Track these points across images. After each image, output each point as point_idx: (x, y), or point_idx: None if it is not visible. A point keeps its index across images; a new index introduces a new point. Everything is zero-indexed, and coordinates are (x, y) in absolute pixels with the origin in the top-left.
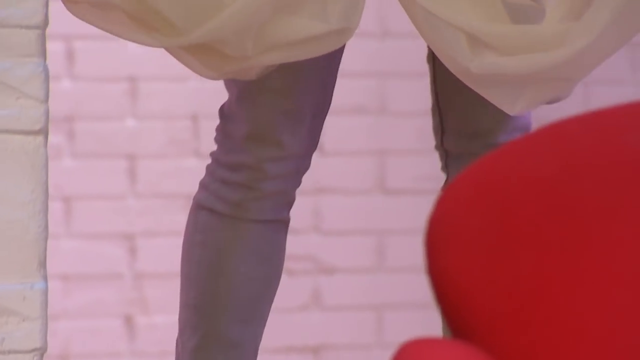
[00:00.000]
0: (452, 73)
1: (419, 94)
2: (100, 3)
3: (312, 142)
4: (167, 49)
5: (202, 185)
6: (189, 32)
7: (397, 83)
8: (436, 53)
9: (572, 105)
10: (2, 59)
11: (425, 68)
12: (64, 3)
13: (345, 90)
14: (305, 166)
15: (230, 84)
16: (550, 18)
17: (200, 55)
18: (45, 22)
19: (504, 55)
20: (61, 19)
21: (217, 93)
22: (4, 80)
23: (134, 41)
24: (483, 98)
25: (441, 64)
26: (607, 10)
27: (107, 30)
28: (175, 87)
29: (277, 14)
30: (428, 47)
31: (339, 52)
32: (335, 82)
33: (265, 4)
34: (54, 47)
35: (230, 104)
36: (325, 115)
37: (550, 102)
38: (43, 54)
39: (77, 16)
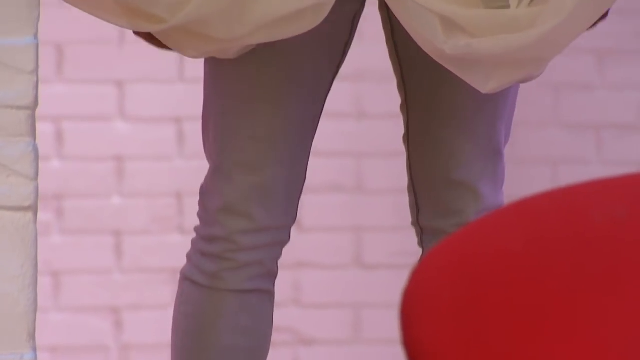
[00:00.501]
0: (425, 155)
1: (395, 172)
2: None
3: (287, 215)
4: (152, 32)
5: (187, 257)
6: (172, 17)
7: (373, 162)
8: (412, 35)
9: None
10: None
11: (400, 147)
12: None
13: (323, 168)
14: (283, 238)
15: (208, 156)
16: (521, 3)
17: (184, 37)
18: (35, 103)
19: (476, 37)
20: (51, 101)
21: (200, 171)
22: None
23: (120, 26)
24: (454, 181)
25: (415, 147)
26: None
27: (94, 15)
28: (159, 166)
29: None
30: (405, 127)
31: (312, 129)
32: (307, 158)
33: None
34: (43, 128)
35: (207, 178)
36: (301, 190)
37: (522, 82)
38: (33, 133)
39: (66, 1)
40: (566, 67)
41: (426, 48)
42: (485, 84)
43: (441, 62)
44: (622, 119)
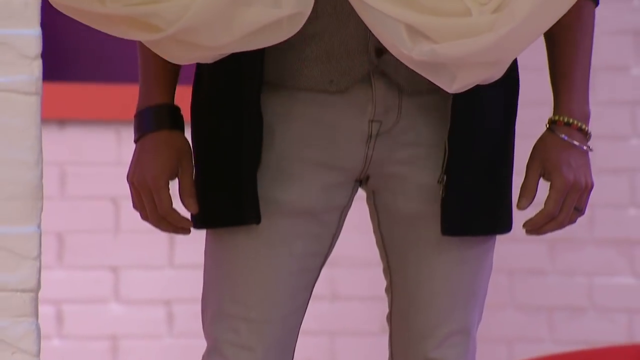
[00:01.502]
0: (404, 336)
1: (367, 350)
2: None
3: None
4: (144, 41)
5: None
6: (169, 27)
7: (346, 340)
8: (382, 42)
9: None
10: (1, 318)
11: (371, 327)
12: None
13: (298, 347)
14: None
15: (206, 335)
16: (482, 12)
17: (173, 46)
18: (38, 286)
19: (439, 43)
20: (52, 285)
21: (188, 349)
22: (1, 337)
23: (115, 34)
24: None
25: (396, 327)
26: (529, 1)
27: (90, 24)
28: (152, 344)
29: (235, 5)
30: (389, 308)
31: (301, 314)
32: (296, 340)
33: None
34: (45, 310)
35: (205, 356)
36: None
37: (484, 82)
38: (35, 314)
39: (61, 9)
40: (520, 254)
41: (395, 54)
42: (451, 85)
43: (410, 67)
44: (573, 302)
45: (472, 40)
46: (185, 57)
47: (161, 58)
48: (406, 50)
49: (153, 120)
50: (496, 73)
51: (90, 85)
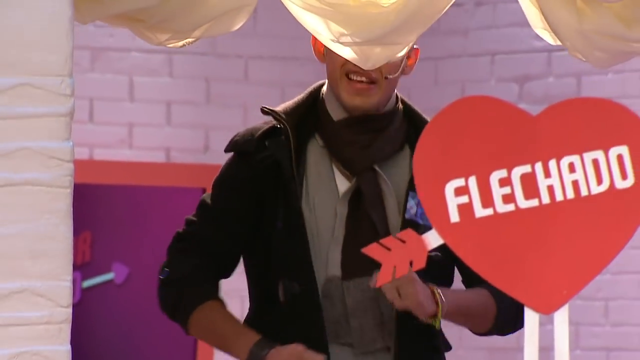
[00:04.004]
0: None
1: None
2: None
3: None
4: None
5: None
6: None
7: None
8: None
9: None
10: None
11: None
12: None
13: None
14: None
15: None
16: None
17: (152, 30)
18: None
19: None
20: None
21: None
22: None
23: (114, 26)
24: None
25: None
26: None
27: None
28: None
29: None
30: None
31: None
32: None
33: None
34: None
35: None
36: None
37: (392, 59)
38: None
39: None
40: None
41: (323, 41)
42: (366, 63)
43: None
44: None
45: (380, 25)
46: (155, 40)
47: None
48: (332, 37)
49: (269, 344)
50: (399, 52)
51: None
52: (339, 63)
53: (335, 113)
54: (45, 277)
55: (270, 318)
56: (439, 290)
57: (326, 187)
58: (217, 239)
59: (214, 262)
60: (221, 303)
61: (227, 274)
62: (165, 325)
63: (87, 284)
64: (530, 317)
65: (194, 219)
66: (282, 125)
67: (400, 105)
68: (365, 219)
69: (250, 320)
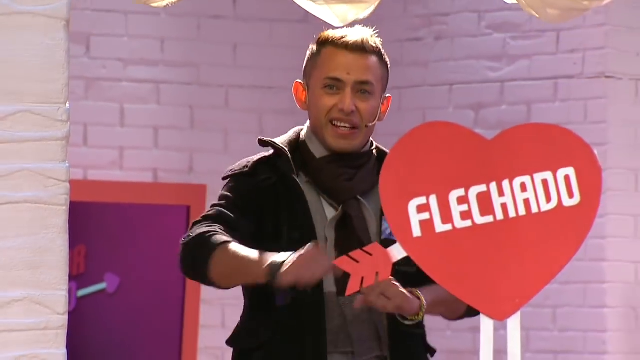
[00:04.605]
0: None
1: None
2: None
3: None
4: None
5: None
6: None
7: None
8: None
9: None
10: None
11: None
12: None
13: None
14: None
15: None
16: None
17: None
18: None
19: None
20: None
21: None
22: None
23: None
24: None
25: None
26: None
27: None
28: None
29: None
30: None
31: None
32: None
33: None
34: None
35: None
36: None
37: (359, 17)
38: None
39: None
40: None
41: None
42: (338, 22)
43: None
44: None
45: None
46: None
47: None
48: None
49: (282, 256)
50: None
51: None
52: (324, 111)
53: (318, 152)
54: (43, 286)
55: (268, 323)
56: (415, 289)
57: (316, 215)
58: (239, 220)
59: (239, 237)
60: (237, 243)
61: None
62: (153, 330)
63: (81, 293)
64: (486, 323)
65: (215, 206)
66: (277, 156)
67: (374, 149)
68: (353, 241)
69: (246, 323)
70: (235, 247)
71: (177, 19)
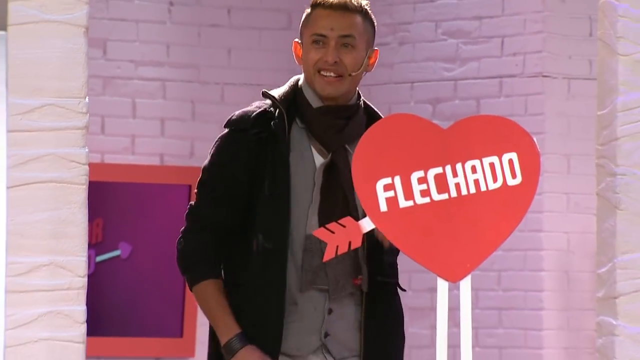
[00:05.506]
0: None
1: None
2: None
3: None
4: None
5: None
6: None
7: None
8: None
9: None
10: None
11: None
12: None
13: None
14: None
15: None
16: None
17: None
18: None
19: None
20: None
21: None
22: None
23: None
24: None
25: None
26: None
27: None
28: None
29: None
30: None
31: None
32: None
33: None
34: None
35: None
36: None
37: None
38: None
39: None
40: None
41: None
42: None
43: None
44: None
45: None
46: None
47: (226, 302)
48: None
49: (244, 341)
50: None
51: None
52: (312, 63)
53: (313, 102)
54: (66, 253)
55: (244, 269)
56: None
57: (305, 161)
58: (218, 216)
59: (215, 236)
60: (217, 283)
61: (228, 243)
62: (159, 290)
63: (99, 258)
64: (442, 285)
65: (196, 203)
66: (274, 109)
67: (362, 102)
68: (338, 188)
69: (226, 271)
70: (208, 295)
71: (180, 27)
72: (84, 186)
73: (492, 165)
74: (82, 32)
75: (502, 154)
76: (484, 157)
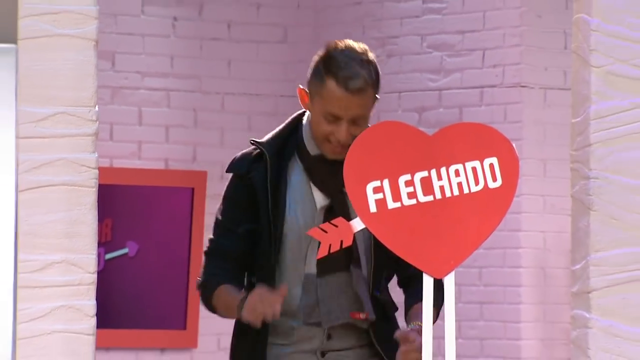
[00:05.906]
0: None
1: None
2: None
3: None
4: None
5: None
6: None
7: None
8: None
9: None
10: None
11: None
12: None
13: None
14: None
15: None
16: None
17: None
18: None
19: None
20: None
21: None
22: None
23: None
24: None
25: None
26: None
27: None
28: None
29: None
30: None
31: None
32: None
33: None
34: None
35: None
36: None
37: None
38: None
39: None
40: None
41: None
42: None
43: None
44: None
45: None
46: None
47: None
48: None
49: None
50: None
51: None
52: (322, 133)
53: (311, 148)
54: (78, 251)
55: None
56: (419, 323)
57: (307, 202)
58: (232, 244)
59: (233, 264)
60: (228, 285)
61: (247, 269)
62: (164, 286)
63: (108, 256)
64: (427, 280)
65: (212, 236)
66: (262, 153)
67: None
68: None
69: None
70: (222, 293)
71: (183, 41)
72: (94, 189)
73: (474, 169)
74: (92, 46)
75: (484, 159)
76: (467, 161)
